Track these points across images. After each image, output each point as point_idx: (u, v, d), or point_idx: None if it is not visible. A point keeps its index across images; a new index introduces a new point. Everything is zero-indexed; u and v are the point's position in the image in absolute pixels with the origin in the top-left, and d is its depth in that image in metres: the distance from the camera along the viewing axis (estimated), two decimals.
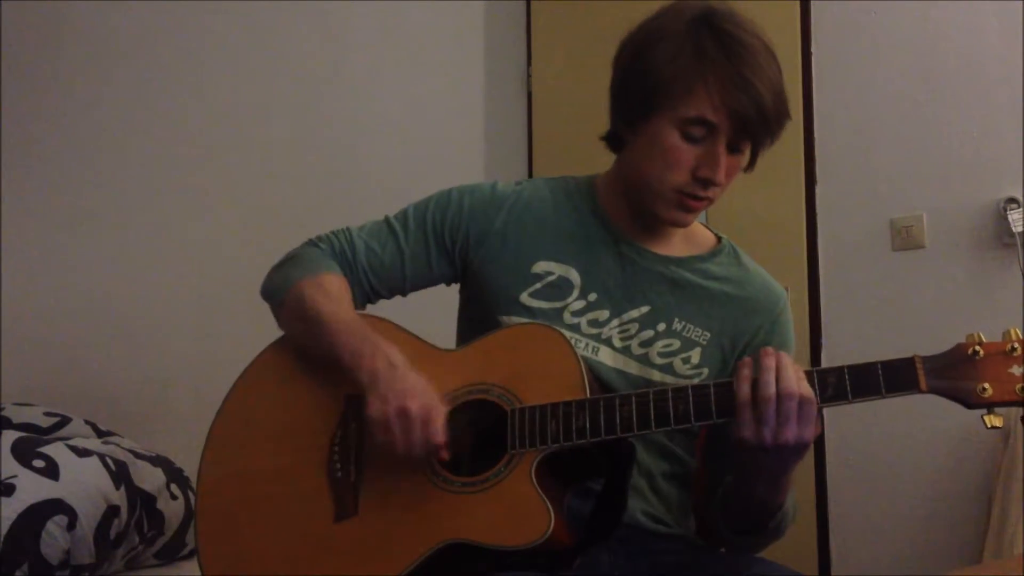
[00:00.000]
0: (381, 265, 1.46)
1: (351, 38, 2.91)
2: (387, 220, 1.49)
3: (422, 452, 1.25)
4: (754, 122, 1.29)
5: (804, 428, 1.16)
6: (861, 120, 2.76)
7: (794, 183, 2.78)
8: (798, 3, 2.83)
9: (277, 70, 2.74)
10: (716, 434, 1.44)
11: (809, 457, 2.71)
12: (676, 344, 1.39)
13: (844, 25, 2.81)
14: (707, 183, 1.32)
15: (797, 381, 1.16)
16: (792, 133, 2.77)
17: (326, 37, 2.86)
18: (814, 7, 2.83)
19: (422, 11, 3.03)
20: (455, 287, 1.53)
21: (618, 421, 1.21)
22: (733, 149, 1.32)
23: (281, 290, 1.43)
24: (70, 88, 2.36)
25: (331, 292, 1.39)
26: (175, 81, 2.54)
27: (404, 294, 1.50)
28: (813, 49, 2.83)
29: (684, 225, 1.41)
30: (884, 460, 2.64)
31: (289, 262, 1.46)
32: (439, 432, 1.24)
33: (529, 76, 3.23)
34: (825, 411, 2.69)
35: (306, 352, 1.40)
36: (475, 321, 1.45)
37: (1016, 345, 1.10)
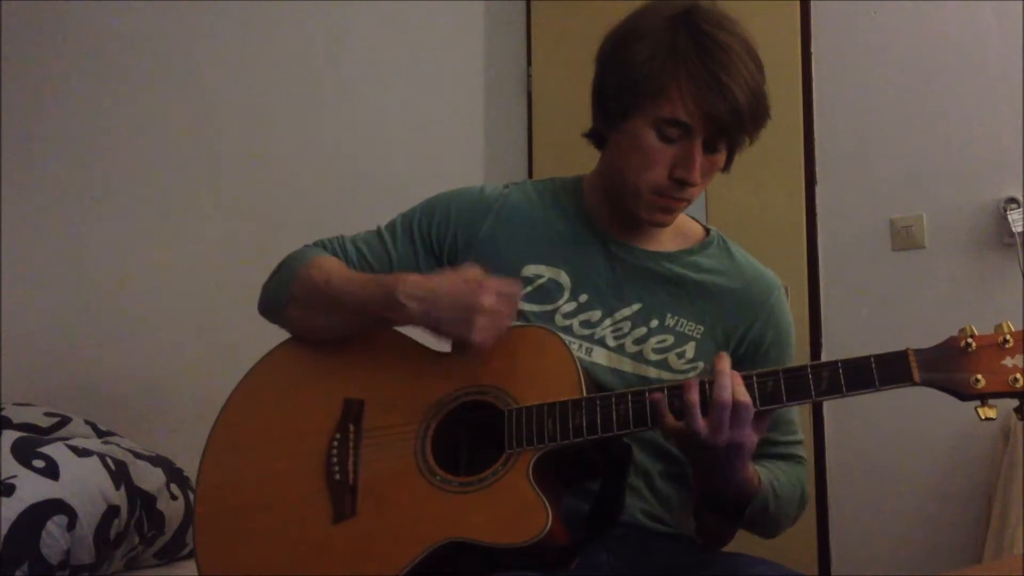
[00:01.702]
0: (371, 270, 1.46)
1: (351, 38, 2.91)
2: (378, 229, 1.51)
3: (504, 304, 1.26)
4: (728, 124, 1.29)
5: (737, 431, 1.17)
6: (861, 120, 2.76)
7: (794, 183, 2.78)
8: (798, 3, 2.83)
9: (277, 70, 2.74)
10: None
11: (809, 457, 2.71)
12: (670, 340, 1.40)
13: (844, 25, 2.80)
14: (683, 184, 1.32)
15: (731, 389, 1.17)
16: (792, 133, 2.80)
17: (326, 37, 2.86)
18: (814, 7, 2.83)
19: (422, 11, 3.03)
20: None
21: (614, 419, 1.22)
22: (711, 149, 1.32)
23: (285, 288, 1.43)
24: (70, 88, 2.35)
25: (332, 267, 1.42)
26: (174, 81, 2.54)
27: None
28: (813, 49, 2.83)
29: (664, 225, 1.41)
30: (884, 460, 2.64)
31: (282, 266, 1.48)
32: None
33: (529, 76, 3.23)
34: (825, 412, 2.71)
35: (333, 332, 1.41)
36: None
37: (1008, 337, 1.11)
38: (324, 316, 1.40)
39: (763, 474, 1.31)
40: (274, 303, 1.46)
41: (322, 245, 1.49)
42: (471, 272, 1.28)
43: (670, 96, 1.28)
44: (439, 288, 1.28)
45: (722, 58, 1.27)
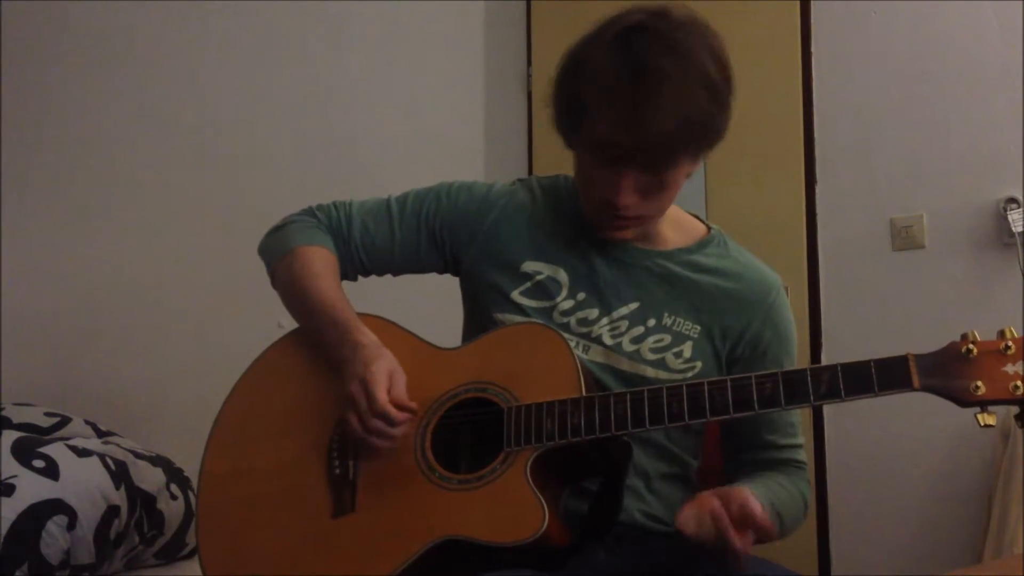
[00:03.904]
0: (373, 245, 1.50)
1: (351, 38, 2.91)
2: (388, 201, 1.53)
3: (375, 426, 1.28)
4: (657, 148, 1.26)
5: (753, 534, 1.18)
6: (861, 120, 2.76)
7: (794, 183, 2.78)
8: (798, 3, 2.84)
9: (277, 70, 2.74)
10: (729, 434, 1.45)
11: (809, 458, 2.71)
12: (667, 339, 1.40)
13: (844, 25, 2.81)
14: (612, 204, 1.31)
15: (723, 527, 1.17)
16: (792, 133, 2.80)
17: (326, 37, 2.86)
18: (814, 7, 2.84)
19: (422, 11, 3.03)
20: (455, 283, 1.54)
21: (613, 419, 1.22)
22: (651, 170, 1.29)
23: (273, 257, 1.50)
24: (70, 88, 2.35)
25: (315, 267, 1.45)
26: (175, 81, 2.54)
27: (395, 274, 1.55)
28: (813, 49, 2.83)
29: (623, 240, 1.41)
30: (884, 460, 2.64)
31: (283, 229, 1.52)
32: (377, 400, 1.28)
33: (529, 76, 3.24)
34: (825, 413, 2.71)
35: (297, 320, 1.47)
36: (474, 316, 1.48)
37: (1010, 344, 1.10)
38: (290, 307, 1.48)
39: (763, 496, 1.26)
40: (264, 260, 1.53)
41: (326, 213, 1.52)
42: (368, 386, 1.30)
43: (602, 122, 1.27)
44: (350, 384, 1.32)
45: (652, 85, 1.22)
